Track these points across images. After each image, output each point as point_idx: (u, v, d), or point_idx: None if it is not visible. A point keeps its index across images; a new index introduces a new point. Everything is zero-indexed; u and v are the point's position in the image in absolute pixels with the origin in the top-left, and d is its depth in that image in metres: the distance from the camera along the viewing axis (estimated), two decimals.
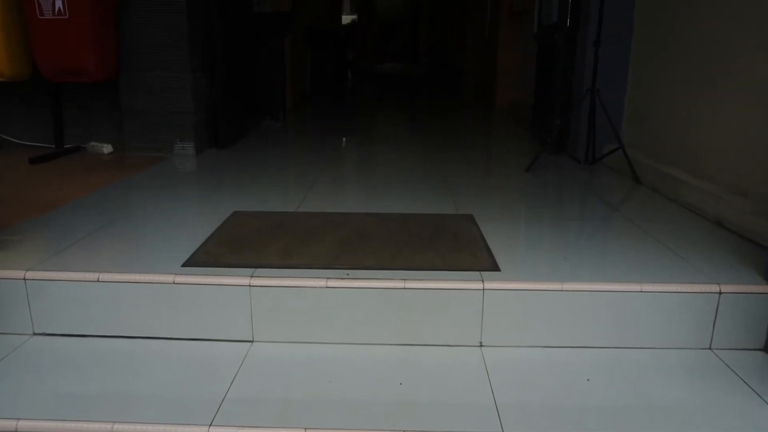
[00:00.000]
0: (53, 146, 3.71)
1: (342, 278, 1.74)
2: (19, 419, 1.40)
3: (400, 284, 1.72)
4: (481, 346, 1.74)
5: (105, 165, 3.36)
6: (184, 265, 1.82)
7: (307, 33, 8.01)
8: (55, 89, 3.61)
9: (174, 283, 1.75)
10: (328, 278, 1.73)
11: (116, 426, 1.38)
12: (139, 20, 3.46)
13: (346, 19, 20.99)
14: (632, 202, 2.71)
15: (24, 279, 1.76)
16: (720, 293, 1.71)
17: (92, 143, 3.77)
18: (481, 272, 1.78)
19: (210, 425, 1.39)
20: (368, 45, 14.08)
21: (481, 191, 2.88)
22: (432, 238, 2.06)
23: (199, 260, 1.84)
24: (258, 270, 1.78)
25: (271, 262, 1.82)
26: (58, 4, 3.10)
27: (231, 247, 1.95)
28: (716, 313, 1.72)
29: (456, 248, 1.96)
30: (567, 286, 1.73)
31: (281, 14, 5.30)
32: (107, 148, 3.72)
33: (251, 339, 1.76)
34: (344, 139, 4.58)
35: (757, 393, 1.53)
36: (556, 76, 3.77)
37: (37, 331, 1.79)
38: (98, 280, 1.76)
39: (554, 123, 3.81)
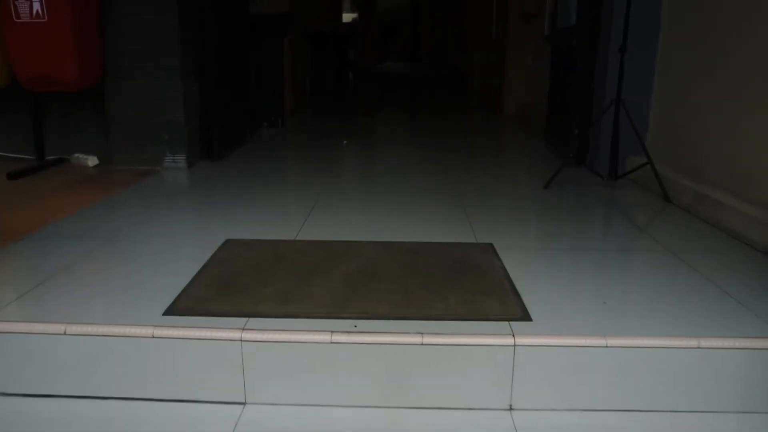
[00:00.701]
0: (34, 158, 3.45)
1: (349, 332, 1.48)
2: None
3: (417, 339, 1.47)
4: (510, 409, 1.49)
5: (87, 181, 3.11)
6: (166, 312, 1.57)
7: (307, 33, 7.75)
8: (36, 97, 3.35)
9: (153, 336, 1.49)
10: (332, 331, 1.48)
11: None
12: (125, 23, 3.20)
13: (347, 17, 20.78)
14: (668, 227, 2.46)
15: None
16: None
17: (76, 155, 3.52)
18: (511, 323, 1.53)
19: None
20: (369, 44, 13.81)
21: (498, 211, 2.63)
22: (450, 276, 1.81)
23: (183, 307, 1.58)
24: (251, 320, 1.53)
25: (266, 310, 1.57)
26: (36, 6, 2.84)
27: (221, 289, 1.69)
28: None
29: (479, 290, 1.70)
30: (611, 341, 1.48)
31: (280, 15, 5.04)
32: (92, 161, 3.46)
33: (243, 401, 1.51)
34: (346, 145, 4.32)
35: None
36: (575, 83, 3.51)
37: None
38: (65, 333, 1.50)
39: (573, 133, 3.56)
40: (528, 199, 2.88)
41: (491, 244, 2.14)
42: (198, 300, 1.62)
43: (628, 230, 2.41)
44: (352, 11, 24.95)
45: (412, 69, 19.64)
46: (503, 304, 1.62)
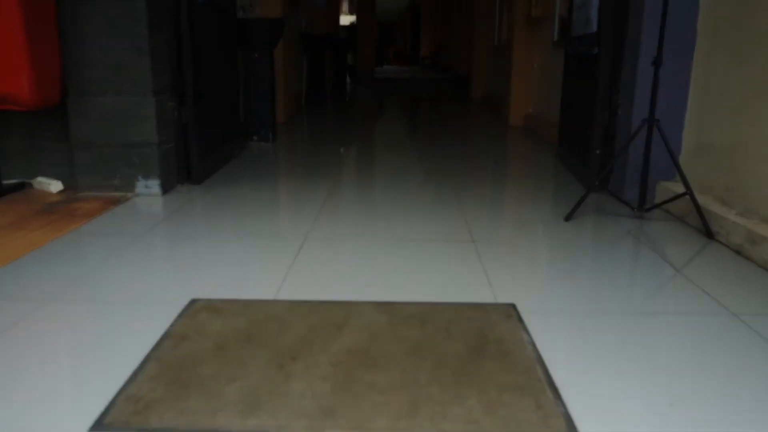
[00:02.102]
0: None
1: None
2: None
3: None
4: None
5: (45, 212, 2.72)
6: (94, 428, 1.18)
7: (303, 39, 7.38)
8: None
9: None
10: None
11: None
12: (89, 34, 2.83)
13: (346, 19, 20.40)
14: (723, 277, 2.07)
15: None
16: None
17: (39, 179, 3.13)
18: None
19: None
20: (368, 47, 13.44)
21: (515, 252, 2.25)
22: (468, 359, 1.43)
23: (117, 419, 1.20)
24: None
25: (226, 424, 1.18)
26: None
27: (171, 386, 1.31)
28: None
29: (506, 383, 1.32)
30: None
31: (271, 21, 4.66)
32: (55, 186, 3.08)
33: None
34: (342, 159, 3.94)
35: None
36: (596, 96, 3.13)
37: None
38: None
39: (593, 152, 3.18)
40: (548, 234, 2.49)
41: (513, 306, 1.76)
42: (139, 404, 1.24)
43: (675, 283, 2.03)
44: (351, 13, 24.63)
45: (411, 73, 19.30)
46: (540, 408, 1.23)
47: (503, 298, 1.82)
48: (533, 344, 1.52)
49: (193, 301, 1.77)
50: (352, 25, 15.53)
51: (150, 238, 2.37)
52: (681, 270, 2.11)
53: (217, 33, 3.61)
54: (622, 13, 2.94)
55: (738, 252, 2.24)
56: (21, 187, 3.13)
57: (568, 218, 2.67)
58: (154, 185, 3.02)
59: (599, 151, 3.15)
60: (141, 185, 3.02)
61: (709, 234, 2.42)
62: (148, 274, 1.99)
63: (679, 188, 2.71)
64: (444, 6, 16.56)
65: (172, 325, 1.60)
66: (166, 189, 3.08)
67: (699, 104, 2.74)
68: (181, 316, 1.67)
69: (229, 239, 2.36)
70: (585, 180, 3.28)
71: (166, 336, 1.54)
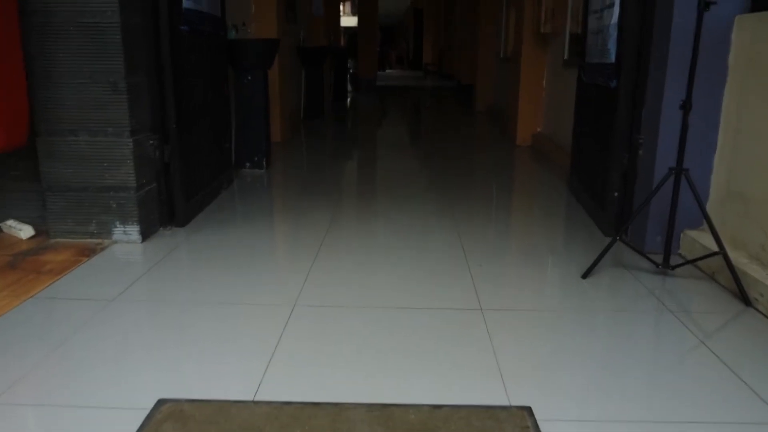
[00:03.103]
0: None
1: None
2: None
3: None
4: None
5: (9, 267, 2.48)
6: None
7: (301, 52, 7.15)
8: None
9: None
10: None
11: None
12: (59, 71, 2.58)
13: (347, 21, 20.13)
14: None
15: None
16: None
17: (9, 223, 2.89)
18: None
19: None
20: (369, 53, 13.19)
21: (528, 324, 2.00)
22: None
23: None
24: None
25: None
26: None
27: None
28: None
29: None
30: None
31: (264, 41, 4.42)
32: (26, 232, 2.83)
33: None
34: (340, 188, 3.69)
35: None
36: (615, 135, 2.87)
37: None
38: None
39: (610, 194, 2.92)
40: (564, 298, 2.23)
41: (530, 410, 1.50)
42: None
43: (719, 374, 1.76)
44: (353, 14, 24.38)
45: (414, 80, 19.05)
46: None
47: (517, 395, 1.57)
48: None
49: (160, 403, 1.52)
50: (353, 31, 15.30)
51: (119, 307, 2.11)
52: (715, 346, 1.85)
53: (204, 59, 3.37)
54: (644, 46, 2.69)
55: None
56: None
57: (585, 275, 2.41)
58: (133, 232, 2.77)
59: (617, 194, 2.89)
60: (118, 232, 2.77)
61: (745, 300, 2.16)
62: (110, 364, 1.74)
63: (707, 238, 2.46)
64: (447, 12, 16.31)
65: None
66: (146, 235, 2.84)
67: (730, 148, 2.49)
68: (143, 427, 1.42)
69: (208, 310, 2.10)
70: (601, 223, 3.02)
71: None
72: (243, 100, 4.31)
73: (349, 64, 11.84)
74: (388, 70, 25.86)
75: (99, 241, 2.78)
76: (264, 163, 4.44)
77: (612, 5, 2.89)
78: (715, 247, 2.26)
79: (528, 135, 5.77)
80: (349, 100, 11.15)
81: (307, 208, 3.49)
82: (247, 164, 4.44)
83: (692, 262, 2.40)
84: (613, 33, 2.88)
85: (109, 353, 1.78)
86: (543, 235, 3.08)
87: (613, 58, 2.90)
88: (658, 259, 2.46)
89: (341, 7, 13.09)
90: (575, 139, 3.80)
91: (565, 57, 4.92)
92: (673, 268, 2.40)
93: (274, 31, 5.47)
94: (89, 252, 2.65)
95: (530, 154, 5.46)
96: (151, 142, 2.85)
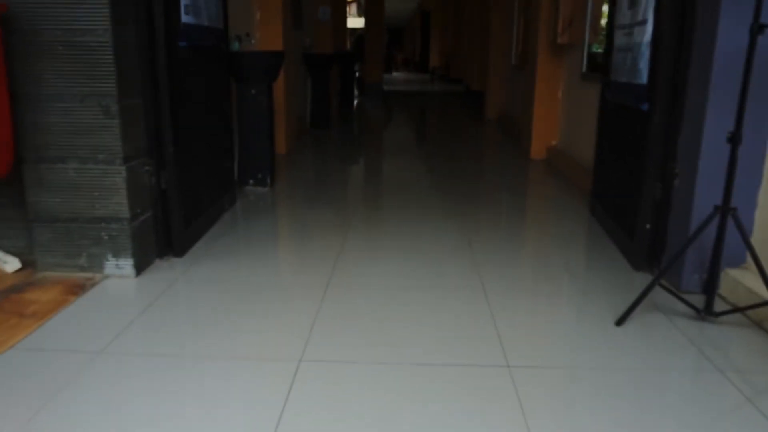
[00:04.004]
0: None
1: None
2: None
3: None
4: None
5: None
6: None
7: (307, 59, 6.95)
8: None
9: None
10: None
11: None
12: (47, 94, 2.38)
13: (353, 22, 19.89)
14: None
15: None
16: None
17: None
18: None
19: None
20: (376, 57, 12.98)
21: (561, 388, 1.79)
22: None
23: None
24: None
25: None
26: None
27: None
28: None
29: None
30: None
31: (269, 54, 4.21)
32: (12, 265, 2.63)
33: None
34: (348, 208, 3.47)
35: None
36: (647, 162, 2.65)
37: None
38: None
39: (641, 226, 2.70)
40: (598, 351, 2.02)
41: None
42: None
43: None
44: (359, 15, 24.15)
45: (421, 84, 18.83)
46: None
47: None
48: None
49: None
50: (360, 34, 15.09)
51: (107, 362, 1.91)
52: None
53: (205, 76, 3.16)
54: (681, 68, 2.47)
55: None
56: None
57: (620, 323, 2.19)
58: (126, 265, 2.57)
59: (649, 226, 2.67)
60: (111, 265, 2.57)
61: None
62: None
63: (751, 279, 2.26)
64: (455, 15, 16.09)
65: None
66: (141, 268, 2.63)
67: None
68: None
69: (205, 367, 1.89)
70: (631, 255, 2.80)
71: None
72: (246, 115, 4.11)
73: (355, 67, 11.64)
74: (394, 73, 25.64)
75: (89, 275, 2.58)
76: (268, 180, 4.23)
77: (644, 22, 2.67)
78: (763, 292, 2.05)
79: (543, 148, 5.55)
80: (355, 105, 10.94)
81: (314, 234, 3.28)
82: (251, 181, 4.24)
83: (741, 310, 2.18)
84: (645, 52, 2.66)
85: (94, 421, 1.57)
86: (569, 267, 2.86)
87: (644, 79, 2.68)
88: (696, 300, 2.24)
89: (347, 9, 12.87)
90: (598, 160, 3.58)
91: (584, 70, 4.70)
92: (717, 315, 2.18)
93: (280, 39, 5.27)
94: (78, 289, 2.45)
95: (545, 169, 5.24)
96: (146, 167, 2.65)
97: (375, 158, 6.24)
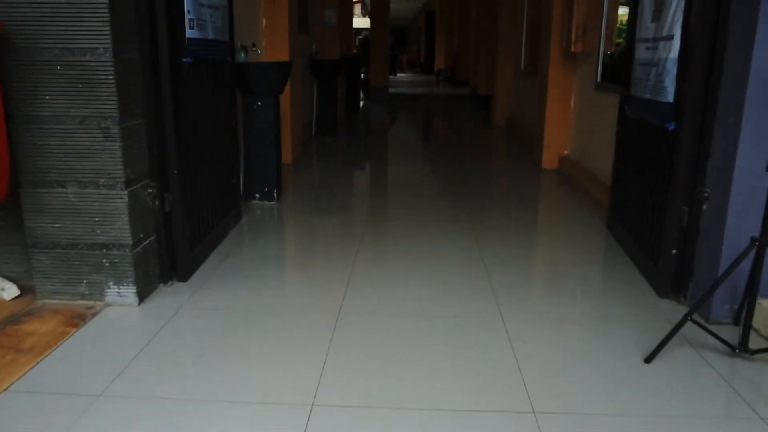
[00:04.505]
0: None
1: None
2: None
3: None
4: None
5: None
6: None
7: (313, 65, 6.84)
8: None
9: None
10: None
11: None
12: (45, 112, 2.27)
13: (358, 22, 19.75)
14: None
15: None
16: None
17: None
18: None
19: None
20: (381, 60, 12.85)
21: (587, 427, 1.66)
22: None
23: None
24: None
25: None
26: None
27: None
28: None
29: None
30: None
31: (276, 65, 4.10)
32: (9, 292, 2.53)
33: None
34: (358, 221, 3.36)
35: None
36: (673, 185, 2.53)
37: None
38: None
39: (667, 251, 2.58)
40: (627, 395, 1.89)
41: None
42: None
43: None
44: (364, 15, 24.02)
45: (426, 86, 18.70)
46: None
47: None
48: None
49: None
50: (365, 37, 14.97)
51: (107, 407, 1.80)
52: None
53: (210, 91, 3.05)
54: (712, 89, 2.34)
55: None
56: None
57: (649, 360, 2.07)
58: (129, 293, 2.46)
59: (675, 252, 2.55)
60: (112, 293, 2.46)
61: None
62: None
63: None
64: (461, 17, 15.96)
65: None
66: (144, 295, 2.52)
67: None
68: None
69: (210, 411, 1.78)
70: (655, 281, 2.68)
71: None
72: (252, 128, 3.99)
73: (361, 69, 11.52)
74: (399, 74, 25.50)
75: (90, 304, 2.47)
76: (275, 194, 4.12)
77: (671, 37, 2.55)
78: None
79: (554, 158, 5.42)
80: (361, 109, 10.82)
81: (322, 254, 3.16)
82: (257, 195, 4.13)
83: None
84: (672, 69, 2.54)
85: None
86: (590, 291, 2.74)
87: (671, 98, 2.55)
88: (727, 331, 2.12)
89: (353, 9, 12.73)
90: (616, 175, 3.45)
91: (598, 80, 4.57)
92: (754, 353, 2.05)
93: (286, 47, 5.15)
94: (78, 320, 2.34)
95: (558, 180, 5.12)
96: (149, 190, 2.54)
97: (382, 167, 6.13)
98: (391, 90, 14.01)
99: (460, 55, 16.68)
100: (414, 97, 14.87)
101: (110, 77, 2.24)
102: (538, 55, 6.02)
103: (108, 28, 2.20)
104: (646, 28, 2.90)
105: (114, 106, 2.27)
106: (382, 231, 3.64)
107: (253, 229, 3.59)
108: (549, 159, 5.44)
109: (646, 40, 2.89)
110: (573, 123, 5.28)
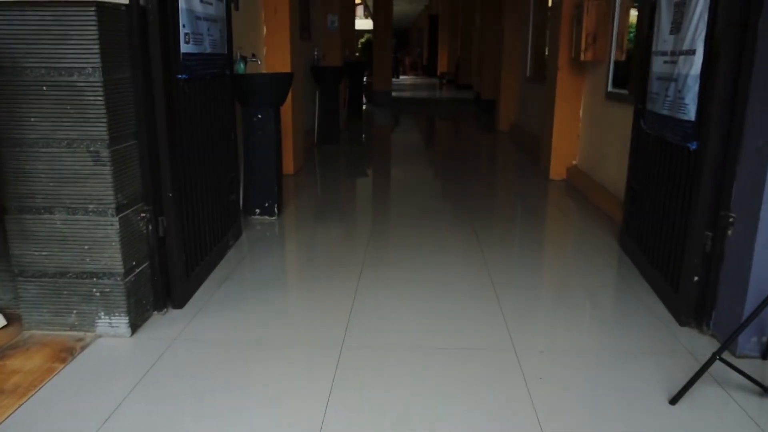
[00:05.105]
0: None
1: None
2: None
3: None
4: None
5: None
6: None
7: (316, 71, 6.73)
8: None
9: None
10: None
11: None
12: (31, 135, 2.15)
13: (361, 24, 19.63)
14: None
15: None
16: None
17: None
18: None
19: None
20: (384, 63, 12.72)
21: None
22: None
23: None
24: None
25: None
26: None
27: None
28: None
29: None
30: None
31: (277, 76, 3.97)
32: None
33: None
34: (361, 239, 3.22)
35: None
36: (695, 209, 2.39)
37: None
38: None
39: (689, 278, 2.44)
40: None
41: None
42: None
43: None
44: (366, 17, 23.90)
45: (429, 89, 18.57)
46: None
47: None
48: None
49: None
50: (368, 40, 14.85)
51: None
52: None
53: (208, 107, 2.92)
54: (738, 106, 2.20)
55: None
56: None
57: (674, 401, 1.93)
58: (120, 324, 2.33)
59: (697, 279, 2.41)
60: (103, 324, 2.33)
61: None
62: None
63: None
64: (464, 20, 15.83)
65: None
66: (136, 325, 2.40)
67: None
68: None
69: None
70: (675, 309, 2.54)
71: None
72: (252, 141, 3.87)
73: (364, 73, 11.38)
74: (402, 77, 25.37)
75: (80, 335, 2.34)
76: (275, 209, 3.99)
77: (692, 52, 2.41)
78: None
79: (562, 168, 5.29)
80: (364, 114, 10.70)
81: (325, 275, 3.03)
82: (257, 211, 4.00)
83: None
84: (693, 86, 2.40)
85: None
86: (606, 318, 2.60)
87: (692, 116, 2.42)
88: (755, 368, 1.99)
89: (355, 12, 12.59)
90: (631, 193, 3.32)
91: (609, 89, 4.43)
92: None
93: (288, 55, 5.03)
94: (66, 354, 2.21)
95: (566, 191, 4.98)
96: (142, 215, 2.41)
97: (384, 179, 6.00)
98: (393, 94, 13.88)
99: (464, 58, 16.54)
100: (417, 101, 14.75)
101: (99, 98, 2.11)
102: (544, 61, 5.89)
103: (97, 47, 2.07)
104: (664, 40, 2.76)
105: (104, 129, 2.14)
106: (386, 248, 3.50)
107: (252, 248, 3.46)
108: (557, 169, 5.30)
109: (664, 54, 2.76)
110: (582, 132, 5.14)
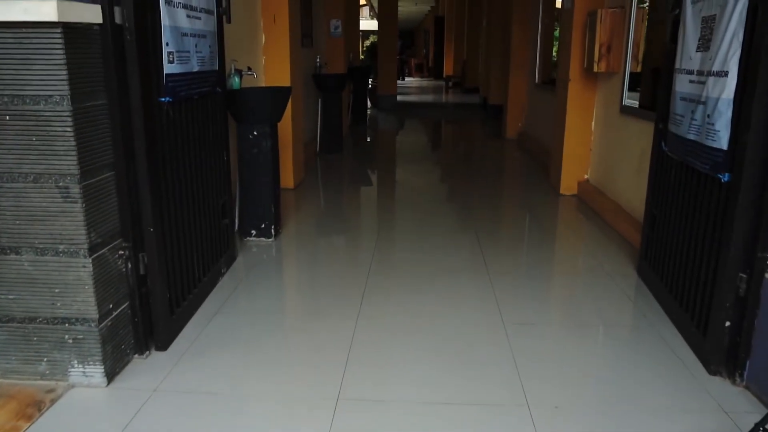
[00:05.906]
0: None
1: None
2: None
3: None
4: None
5: None
6: None
7: (317, 80, 6.53)
8: None
9: None
10: None
11: None
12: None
13: (365, 24, 19.43)
14: None
15: None
16: None
17: None
18: None
19: None
20: (389, 67, 12.51)
21: None
22: None
23: None
24: None
25: None
26: None
27: None
28: None
29: None
30: None
31: (273, 91, 3.76)
32: None
33: None
34: (364, 265, 3.01)
35: None
36: (730, 248, 2.16)
37: None
38: None
39: (719, 321, 2.21)
40: None
41: None
42: None
43: None
44: (371, 18, 23.67)
45: (435, 93, 18.34)
46: None
47: None
48: None
49: None
50: (372, 44, 14.65)
51: None
52: None
53: (196, 129, 2.72)
54: None
55: None
56: None
57: None
58: (95, 373, 2.13)
59: (729, 324, 2.19)
60: (77, 373, 2.13)
61: None
62: None
63: None
64: (471, 22, 15.60)
65: None
66: (113, 373, 2.19)
67: None
68: None
69: None
70: (704, 355, 2.32)
71: None
72: (247, 159, 3.66)
73: (369, 77, 11.17)
74: (407, 78, 25.14)
75: (52, 385, 2.14)
76: (272, 230, 3.78)
77: (724, 74, 2.18)
78: None
79: (573, 183, 5.06)
80: (368, 120, 10.49)
81: (324, 307, 2.83)
82: (253, 232, 3.79)
83: None
84: (726, 111, 2.18)
85: None
86: (627, 365, 2.37)
87: (724, 144, 2.19)
88: None
89: (359, 14, 12.36)
90: (650, 217, 3.09)
91: (624, 102, 4.20)
92: None
93: (287, 64, 4.82)
94: (34, 409, 2.01)
95: (578, 208, 4.75)
96: (120, 252, 2.20)
97: (389, 191, 5.78)
98: (398, 98, 13.67)
99: (470, 61, 16.31)
100: (423, 106, 14.53)
101: (68, 129, 1.91)
102: (553, 68, 5.65)
103: (65, 72, 1.86)
104: (690, 58, 2.53)
105: (73, 162, 1.94)
106: (388, 274, 3.28)
107: (248, 274, 3.25)
108: (567, 183, 5.07)
109: (690, 72, 2.53)
110: (594, 146, 4.91)
